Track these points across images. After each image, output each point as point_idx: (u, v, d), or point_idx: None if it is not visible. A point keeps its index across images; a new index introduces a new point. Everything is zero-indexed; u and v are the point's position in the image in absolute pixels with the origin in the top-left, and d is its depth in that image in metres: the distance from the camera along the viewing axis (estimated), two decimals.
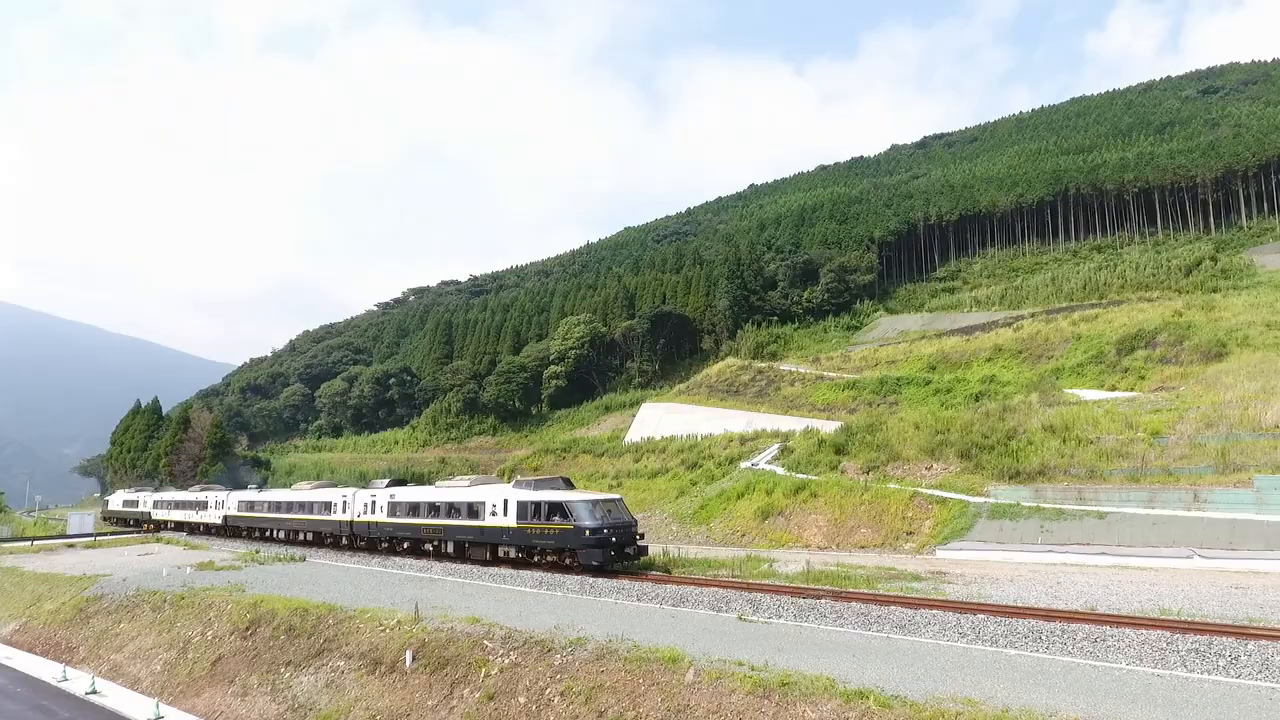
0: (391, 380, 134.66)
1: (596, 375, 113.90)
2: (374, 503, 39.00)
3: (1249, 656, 14.03)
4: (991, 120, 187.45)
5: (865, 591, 23.01)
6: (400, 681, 18.56)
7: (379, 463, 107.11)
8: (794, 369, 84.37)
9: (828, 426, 63.46)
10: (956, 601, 20.81)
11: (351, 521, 40.42)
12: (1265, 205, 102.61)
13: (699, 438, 72.86)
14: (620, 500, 31.62)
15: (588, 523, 28.50)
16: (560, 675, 16.42)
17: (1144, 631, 16.39)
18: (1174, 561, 26.93)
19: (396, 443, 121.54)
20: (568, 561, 29.25)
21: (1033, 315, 78.46)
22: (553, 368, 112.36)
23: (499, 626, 19.18)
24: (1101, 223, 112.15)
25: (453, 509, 34.22)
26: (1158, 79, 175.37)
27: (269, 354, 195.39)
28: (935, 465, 43.31)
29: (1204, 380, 51.16)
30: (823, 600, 21.89)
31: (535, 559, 30.72)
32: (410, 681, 18.41)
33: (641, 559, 29.90)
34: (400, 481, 43.58)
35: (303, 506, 45.83)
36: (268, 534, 50.44)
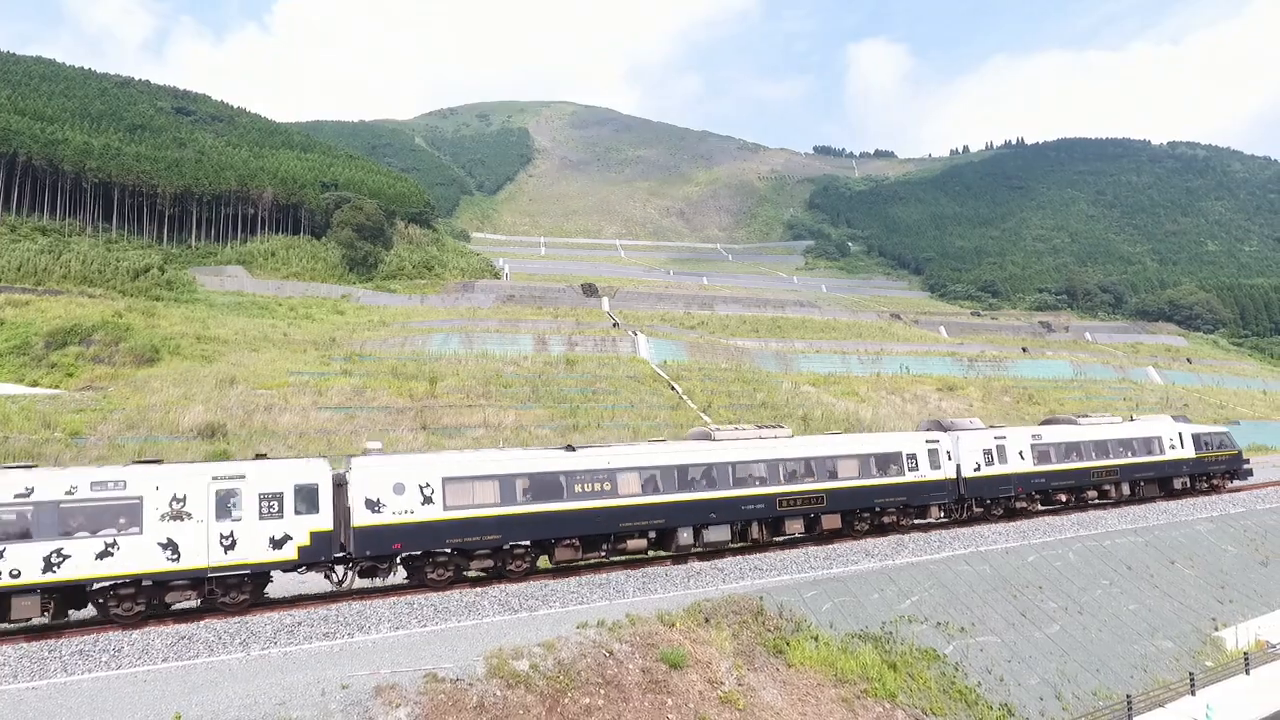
0: None
1: None
2: (995, 450, 32.09)
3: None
4: None
5: None
6: None
7: None
8: None
9: None
10: None
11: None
12: (213, 231, 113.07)
13: None
14: None
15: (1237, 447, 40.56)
16: None
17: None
18: None
19: None
20: (1216, 483, 39.38)
21: None
22: None
23: None
24: (54, 204, 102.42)
25: (1124, 446, 36.22)
26: (137, 78, 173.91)
27: None
28: None
29: (134, 383, 51.41)
30: None
31: (1194, 486, 38.68)
32: None
33: None
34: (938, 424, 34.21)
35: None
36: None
